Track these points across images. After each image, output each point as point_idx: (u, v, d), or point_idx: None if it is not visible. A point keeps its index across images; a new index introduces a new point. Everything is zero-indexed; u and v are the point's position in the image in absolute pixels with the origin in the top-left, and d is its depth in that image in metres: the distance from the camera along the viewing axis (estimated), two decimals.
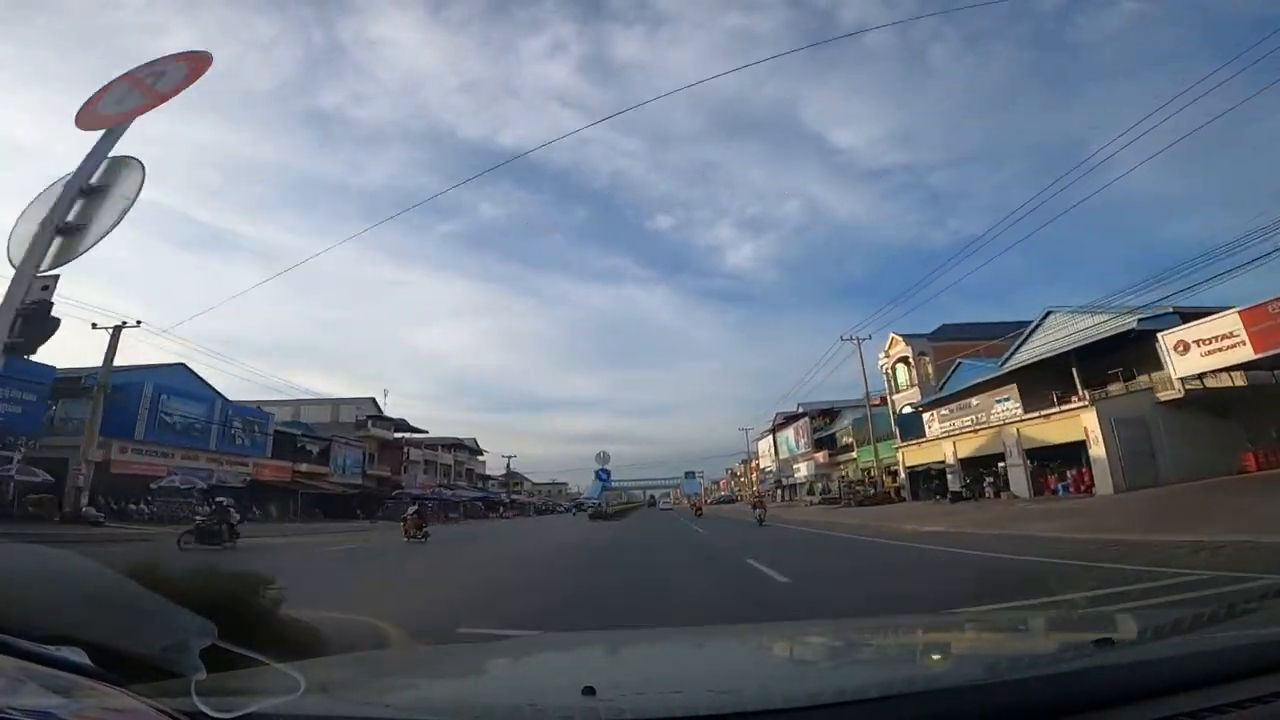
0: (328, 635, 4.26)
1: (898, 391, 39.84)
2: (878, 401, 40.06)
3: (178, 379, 32.69)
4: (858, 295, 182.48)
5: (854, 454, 46.78)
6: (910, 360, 38.85)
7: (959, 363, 34.32)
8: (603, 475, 59.34)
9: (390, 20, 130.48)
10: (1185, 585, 5.93)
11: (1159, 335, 20.42)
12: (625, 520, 38.42)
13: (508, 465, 79.33)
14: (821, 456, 53.59)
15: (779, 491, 64.02)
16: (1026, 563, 8.44)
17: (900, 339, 39.46)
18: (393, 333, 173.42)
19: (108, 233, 3.95)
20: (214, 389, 35.78)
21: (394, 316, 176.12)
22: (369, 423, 51.97)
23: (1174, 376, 20.54)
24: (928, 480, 34.61)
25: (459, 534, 27.58)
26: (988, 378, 29.31)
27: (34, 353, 4.45)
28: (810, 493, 53.48)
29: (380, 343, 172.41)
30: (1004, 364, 29.15)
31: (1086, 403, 22.79)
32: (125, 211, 4.02)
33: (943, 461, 32.57)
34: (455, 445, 70.56)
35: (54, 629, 1.03)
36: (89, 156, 4.23)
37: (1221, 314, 18.83)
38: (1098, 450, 21.71)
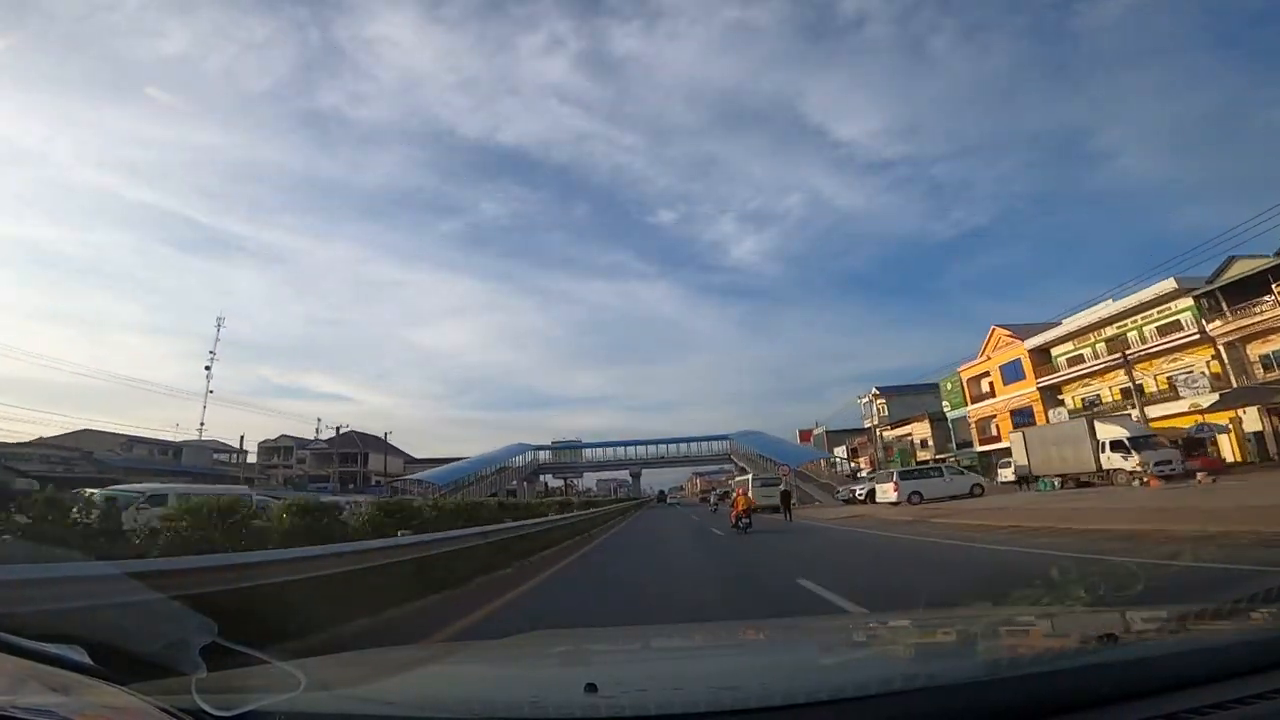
0: None
1: None
2: None
3: None
4: (862, 287, 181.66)
5: None
6: None
7: None
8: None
9: (386, 19, 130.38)
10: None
11: None
12: None
13: None
14: None
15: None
16: None
17: None
18: (394, 332, 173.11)
19: None
20: None
21: (395, 316, 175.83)
22: None
23: None
24: None
25: None
26: None
27: None
28: None
29: (382, 342, 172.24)
30: None
31: None
32: None
33: None
34: None
35: (55, 627, 1.04)
36: None
37: None
38: None
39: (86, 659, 1.03)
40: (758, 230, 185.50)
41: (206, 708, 0.92)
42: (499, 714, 1.15)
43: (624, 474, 77.53)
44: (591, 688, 1.08)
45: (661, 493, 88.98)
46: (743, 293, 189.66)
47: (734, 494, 22.89)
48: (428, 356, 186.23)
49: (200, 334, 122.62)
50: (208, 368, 46.26)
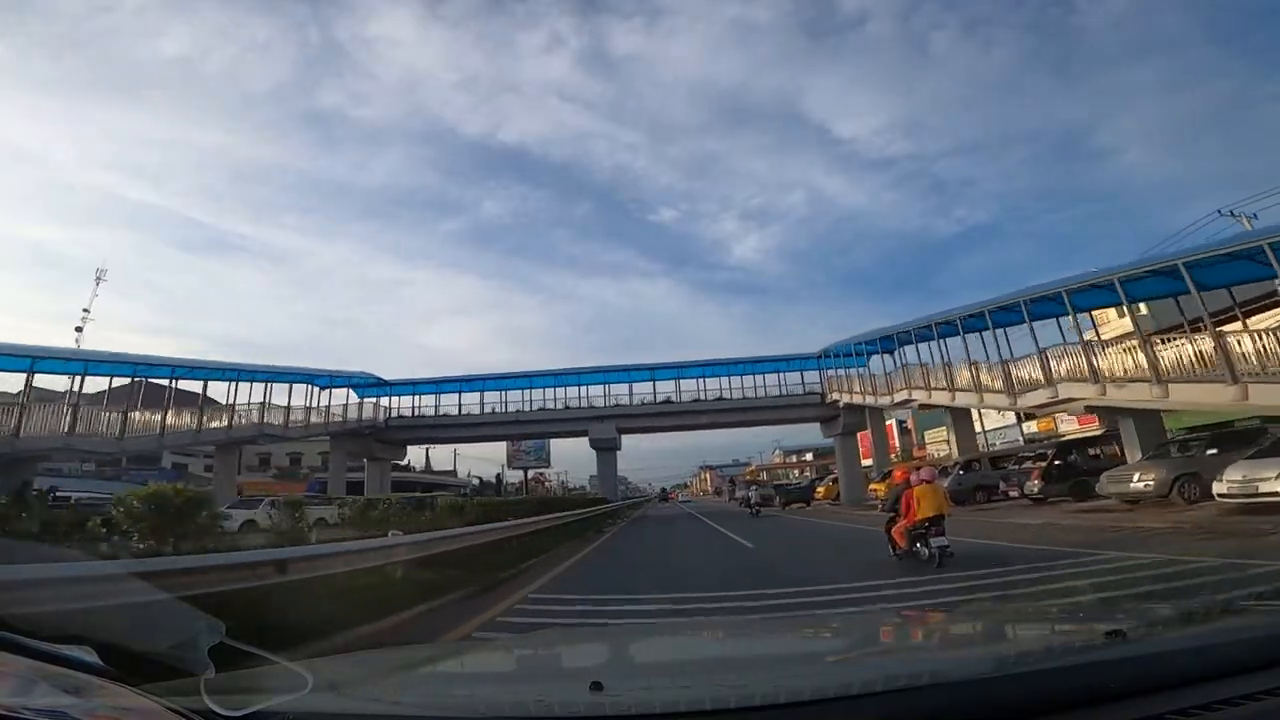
0: None
1: None
2: None
3: None
4: (865, 284, 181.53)
5: None
6: None
7: None
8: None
9: (387, 18, 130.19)
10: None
11: None
12: None
13: None
14: None
15: None
16: None
17: None
18: (400, 331, 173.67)
19: None
20: None
21: (400, 315, 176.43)
22: None
23: None
24: None
25: None
26: None
27: None
28: None
29: (387, 341, 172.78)
30: None
31: None
32: None
33: None
34: None
35: (65, 629, 1.05)
36: None
37: None
38: None
39: (96, 659, 1.04)
40: (760, 228, 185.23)
41: (215, 708, 0.92)
42: (505, 713, 1.15)
43: (583, 442, 32.94)
44: (597, 686, 1.08)
45: (663, 490, 68.98)
46: (745, 290, 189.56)
47: (899, 486, 9.63)
48: (431, 354, 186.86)
49: (203, 334, 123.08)
50: (79, 329, 35.87)
